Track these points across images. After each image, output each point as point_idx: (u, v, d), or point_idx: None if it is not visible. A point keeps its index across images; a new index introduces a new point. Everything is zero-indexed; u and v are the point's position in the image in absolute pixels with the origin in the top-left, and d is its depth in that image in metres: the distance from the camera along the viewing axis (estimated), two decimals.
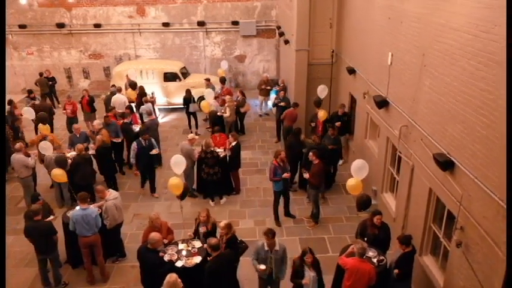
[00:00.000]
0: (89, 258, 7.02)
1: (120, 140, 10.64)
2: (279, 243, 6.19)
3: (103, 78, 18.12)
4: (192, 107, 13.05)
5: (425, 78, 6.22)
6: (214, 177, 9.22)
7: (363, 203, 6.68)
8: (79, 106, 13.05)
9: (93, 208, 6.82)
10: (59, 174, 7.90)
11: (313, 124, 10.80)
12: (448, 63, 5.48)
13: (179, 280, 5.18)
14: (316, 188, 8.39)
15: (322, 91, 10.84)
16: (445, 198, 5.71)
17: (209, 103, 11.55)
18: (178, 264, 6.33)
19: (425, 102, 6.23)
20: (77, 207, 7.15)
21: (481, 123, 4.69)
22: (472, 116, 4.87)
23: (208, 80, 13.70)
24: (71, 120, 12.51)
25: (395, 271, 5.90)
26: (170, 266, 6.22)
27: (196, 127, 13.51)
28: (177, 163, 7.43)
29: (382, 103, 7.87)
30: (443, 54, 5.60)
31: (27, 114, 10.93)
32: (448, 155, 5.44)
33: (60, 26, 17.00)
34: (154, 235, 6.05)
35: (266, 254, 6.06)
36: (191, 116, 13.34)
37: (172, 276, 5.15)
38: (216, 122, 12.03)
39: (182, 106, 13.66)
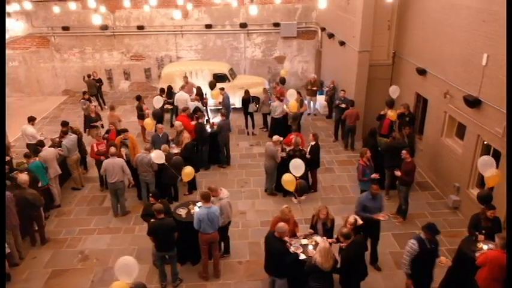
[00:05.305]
0: (207, 254, 7.23)
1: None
2: None
3: (143, 80, 18.28)
4: (251, 107, 13.28)
5: None
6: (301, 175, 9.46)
7: (486, 196, 6.98)
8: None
9: (215, 207, 7.03)
10: (189, 173, 8.24)
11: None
12: None
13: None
14: (408, 185, 8.68)
15: (394, 91, 11.00)
16: None
17: (296, 103, 11.75)
18: (302, 256, 6.58)
19: None
20: (196, 207, 7.43)
21: None
22: None
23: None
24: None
25: None
26: (295, 257, 6.47)
27: (253, 127, 13.75)
28: (297, 167, 7.66)
29: (474, 102, 8.18)
30: None
31: (156, 103, 12.19)
32: None
33: (104, 28, 17.11)
34: (283, 225, 6.28)
35: None
36: (248, 117, 13.57)
37: (326, 242, 5.47)
38: (279, 123, 12.34)
39: (237, 106, 13.91)
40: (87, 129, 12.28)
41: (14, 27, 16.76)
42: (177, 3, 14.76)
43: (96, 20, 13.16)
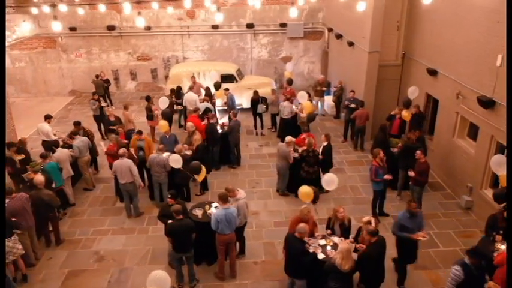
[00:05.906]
0: (223, 255, 7.25)
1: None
2: None
3: (150, 80, 18.29)
4: (260, 108, 13.30)
5: None
6: (313, 176, 9.49)
7: (502, 194, 7.02)
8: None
9: (233, 207, 7.04)
10: (202, 171, 8.26)
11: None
12: None
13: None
14: (421, 185, 8.70)
15: (413, 92, 10.88)
16: None
17: (310, 104, 11.77)
18: (320, 256, 6.62)
19: None
20: (213, 208, 7.46)
21: None
22: None
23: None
24: None
25: None
26: (313, 257, 6.49)
27: (262, 127, 13.76)
28: (332, 181, 7.61)
29: (488, 103, 8.21)
30: None
31: (162, 104, 12.15)
32: None
33: (111, 28, 17.13)
34: (304, 226, 6.30)
35: None
36: (257, 117, 13.58)
37: (345, 243, 5.67)
38: (287, 124, 12.37)
39: (245, 107, 13.92)
40: (107, 134, 12.21)
41: (23, 28, 16.78)
42: (204, 4, 15.42)
43: (140, 23, 13.32)
